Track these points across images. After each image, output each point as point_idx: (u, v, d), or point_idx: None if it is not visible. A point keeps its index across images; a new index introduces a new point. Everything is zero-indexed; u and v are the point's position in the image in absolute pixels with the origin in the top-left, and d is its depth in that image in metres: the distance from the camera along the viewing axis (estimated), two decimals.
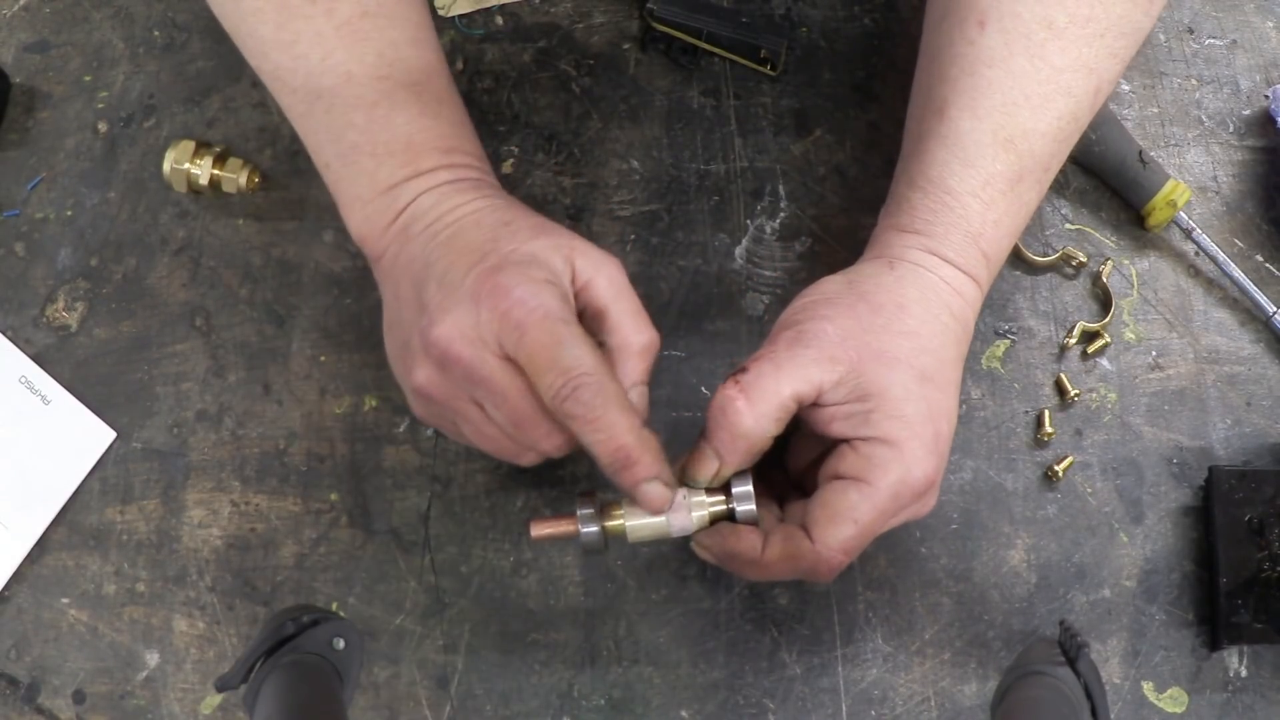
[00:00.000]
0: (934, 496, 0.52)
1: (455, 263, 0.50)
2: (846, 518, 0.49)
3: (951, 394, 0.52)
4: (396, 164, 0.54)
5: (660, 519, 0.51)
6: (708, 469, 0.51)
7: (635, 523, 0.51)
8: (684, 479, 0.52)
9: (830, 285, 0.54)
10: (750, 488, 0.51)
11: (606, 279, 0.51)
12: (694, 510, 0.51)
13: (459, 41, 0.72)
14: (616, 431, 0.48)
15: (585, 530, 0.51)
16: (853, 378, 0.49)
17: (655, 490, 0.49)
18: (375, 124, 0.54)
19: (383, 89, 0.54)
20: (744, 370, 0.50)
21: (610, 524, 0.52)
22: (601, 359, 0.48)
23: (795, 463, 0.56)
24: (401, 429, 0.65)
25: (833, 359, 0.49)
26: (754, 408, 0.49)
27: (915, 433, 0.49)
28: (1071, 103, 0.53)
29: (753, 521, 0.52)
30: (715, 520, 0.52)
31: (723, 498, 0.52)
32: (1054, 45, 0.52)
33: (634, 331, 0.52)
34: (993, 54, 0.53)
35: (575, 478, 0.64)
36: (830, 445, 0.52)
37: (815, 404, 0.50)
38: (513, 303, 0.48)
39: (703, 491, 0.52)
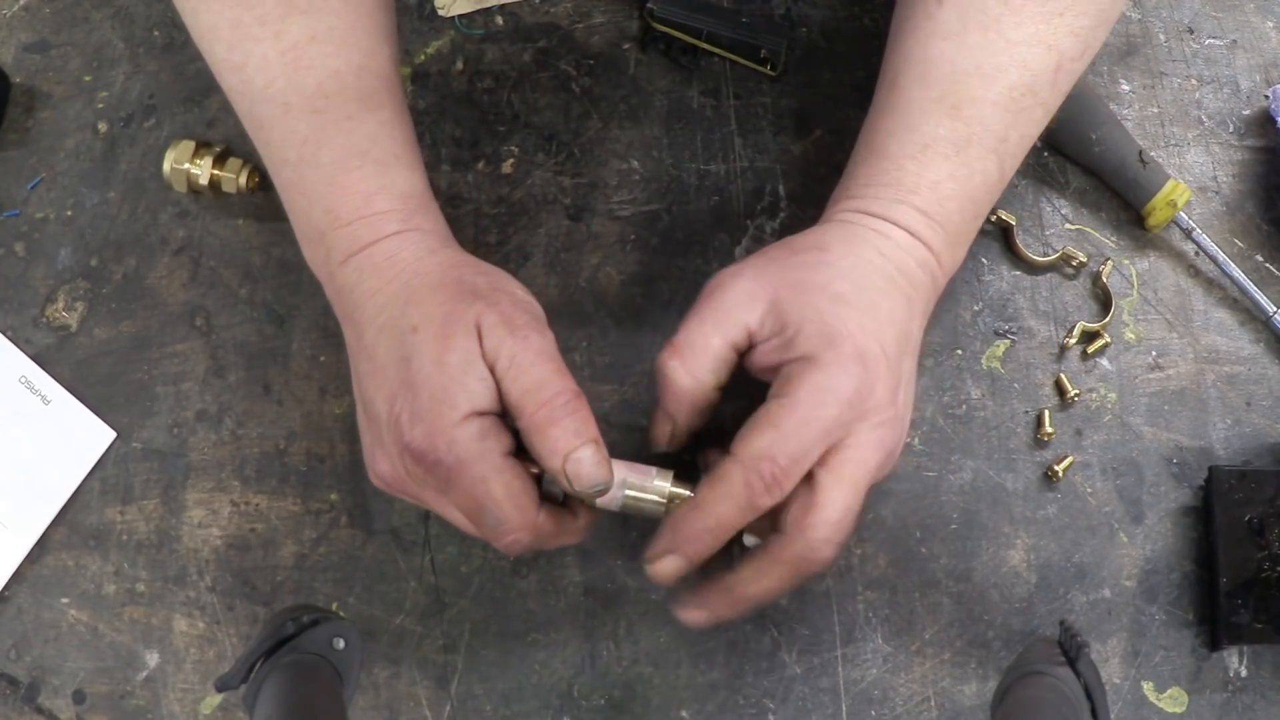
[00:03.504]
0: (892, 417, 0.50)
1: (379, 384, 0.51)
2: (764, 425, 0.49)
3: (878, 318, 0.51)
4: (320, 209, 0.54)
5: (620, 504, 0.54)
6: (663, 430, 0.54)
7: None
8: (650, 440, 0.55)
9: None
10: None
11: (506, 360, 0.50)
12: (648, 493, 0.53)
13: (459, 41, 0.72)
14: (560, 541, 0.53)
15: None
16: (773, 312, 0.51)
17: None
18: (304, 162, 0.54)
19: (315, 124, 0.54)
20: (676, 333, 0.52)
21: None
22: (527, 496, 0.50)
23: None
24: None
25: (751, 296, 0.51)
26: (687, 364, 0.52)
27: (830, 344, 0.49)
28: (1027, 76, 0.53)
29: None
30: (671, 500, 0.53)
31: (687, 491, 0.53)
32: (1010, 20, 0.53)
33: (539, 405, 0.50)
34: (948, 27, 0.53)
35: None
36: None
37: (751, 347, 0.52)
38: (431, 464, 0.49)
39: (669, 484, 0.53)
